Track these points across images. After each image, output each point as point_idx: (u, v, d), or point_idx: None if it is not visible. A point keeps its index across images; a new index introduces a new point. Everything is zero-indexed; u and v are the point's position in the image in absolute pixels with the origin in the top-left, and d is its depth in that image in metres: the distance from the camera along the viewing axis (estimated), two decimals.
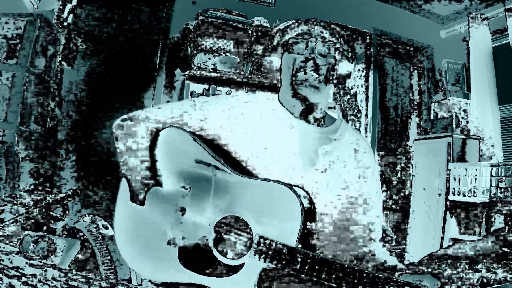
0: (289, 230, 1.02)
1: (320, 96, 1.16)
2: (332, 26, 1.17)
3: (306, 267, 0.99)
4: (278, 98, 1.21)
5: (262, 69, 1.24)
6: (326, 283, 0.98)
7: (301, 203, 1.02)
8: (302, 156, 1.14)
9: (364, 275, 0.96)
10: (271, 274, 1.06)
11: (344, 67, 1.19)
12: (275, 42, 1.21)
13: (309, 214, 1.05)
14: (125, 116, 1.20)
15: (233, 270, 1.04)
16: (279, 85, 1.22)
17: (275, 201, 1.04)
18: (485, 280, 1.02)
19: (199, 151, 1.11)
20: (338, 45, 1.16)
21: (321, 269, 0.98)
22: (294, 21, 1.18)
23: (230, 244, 1.06)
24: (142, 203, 1.12)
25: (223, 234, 1.06)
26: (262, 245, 1.02)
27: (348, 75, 1.21)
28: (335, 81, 1.19)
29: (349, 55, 1.19)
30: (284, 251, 1.00)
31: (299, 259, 0.99)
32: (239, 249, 1.05)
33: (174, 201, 1.09)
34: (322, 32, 1.14)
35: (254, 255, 1.02)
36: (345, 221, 1.17)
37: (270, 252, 1.01)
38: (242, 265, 1.03)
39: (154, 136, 1.15)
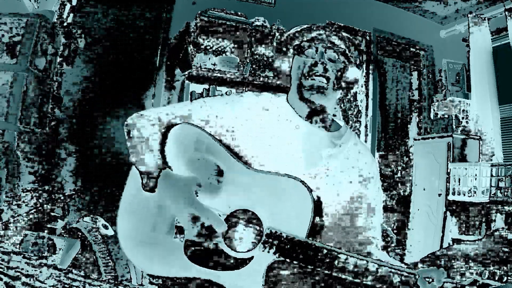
0: (299, 223, 1.04)
1: (327, 101, 1.18)
2: (342, 32, 1.20)
3: (317, 260, 1.00)
4: (286, 98, 1.23)
5: (273, 71, 1.27)
6: (337, 275, 1.00)
7: (312, 197, 1.04)
8: (306, 157, 1.16)
9: (372, 267, 0.99)
10: (280, 268, 1.07)
11: (352, 73, 1.21)
12: (284, 45, 1.23)
13: (317, 208, 1.06)
14: (137, 113, 1.22)
15: (242, 263, 1.04)
16: (288, 86, 1.25)
17: (286, 194, 1.06)
18: (485, 278, 1.03)
19: (210, 146, 1.13)
20: (347, 51, 1.19)
21: (332, 262, 0.99)
22: (306, 26, 1.21)
23: (240, 237, 1.07)
24: (153, 190, 1.12)
25: (233, 227, 1.07)
26: (272, 238, 1.03)
27: (356, 81, 1.23)
28: (343, 86, 1.22)
29: (357, 61, 1.22)
30: (294, 243, 1.02)
31: (309, 252, 1.01)
32: (248, 242, 1.06)
33: (186, 184, 1.10)
34: (332, 38, 1.17)
35: (264, 248, 1.03)
36: (343, 226, 1.18)
37: (280, 245, 1.02)
38: (251, 258, 1.04)
39: (165, 132, 1.17)
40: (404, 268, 1.00)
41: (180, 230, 1.08)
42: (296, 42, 1.20)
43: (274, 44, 3.32)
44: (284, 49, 1.23)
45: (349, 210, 1.18)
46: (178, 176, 1.12)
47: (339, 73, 1.18)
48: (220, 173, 1.11)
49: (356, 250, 1.17)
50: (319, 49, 1.16)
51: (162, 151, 1.15)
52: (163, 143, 1.16)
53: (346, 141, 1.21)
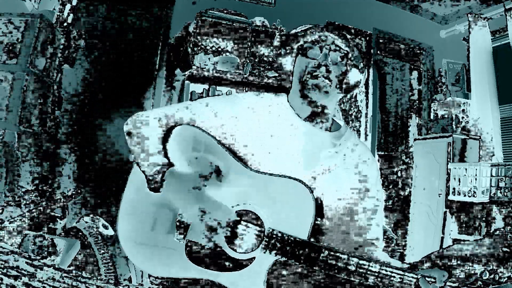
0: (301, 224, 1.04)
1: (328, 101, 1.18)
2: (346, 35, 1.19)
3: (318, 261, 1.00)
4: (287, 98, 1.23)
5: (275, 70, 1.26)
6: (338, 275, 1.00)
7: (314, 198, 1.04)
8: (305, 157, 1.16)
9: (374, 268, 1.00)
10: (281, 268, 1.08)
11: (354, 76, 1.21)
12: (287, 44, 1.23)
13: (318, 209, 1.06)
14: (137, 114, 1.21)
15: (243, 264, 1.04)
16: (289, 86, 1.24)
17: (288, 195, 1.06)
18: (485, 278, 1.03)
19: (210, 147, 1.13)
20: (350, 55, 1.19)
21: (333, 263, 1.00)
22: (312, 26, 1.21)
23: (241, 238, 1.07)
24: (158, 189, 1.12)
25: (234, 228, 1.07)
26: (273, 238, 1.03)
27: (357, 85, 1.23)
28: (343, 88, 1.21)
29: (360, 65, 1.21)
30: (296, 244, 1.02)
31: (310, 253, 1.01)
32: (250, 243, 1.06)
33: (192, 179, 1.10)
34: (337, 41, 1.17)
35: (265, 249, 1.03)
36: (344, 227, 1.17)
37: (281, 246, 1.02)
38: (252, 259, 1.04)
39: (166, 134, 1.17)
40: (406, 269, 1.00)
41: (183, 229, 1.08)
42: (300, 42, 1.19)
43: (276, 43, 3.32)
44: (288, 48, 1.23)
45: (349, 211, 1.17)
46: (183, 172, 1.12)
47: (341, 76, 1.17)
48: (218, 172, 1.11)
49: (357, 251, 1.17)
50: (323, 51, 1.16)
51: (164, 153, 1.16)
52: (164, 145, 1.16)
53: (346, 141, 1.21)
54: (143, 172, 1.14)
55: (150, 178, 1.13)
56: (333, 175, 1.16)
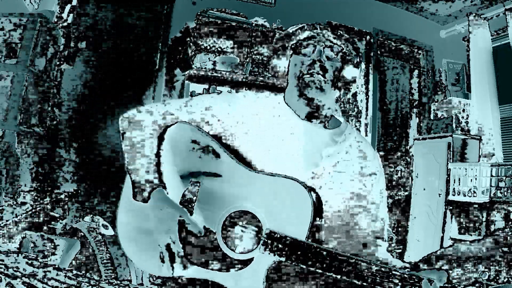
0: (299, 224, 1.03)
1: (326, 98, 1.17)
2: (340, 31, 1.19)
3: (317, 261, 1.00)
4: (284, 98, 1.22)
5: (270, 70, 1.26)
6: (336, 277, 0.99)
7: (312, 198, 1.03)
8: (305, 157, 1.15)
9: (373, 269, 0.99)
10: (280, 269, 1.07)
11: (349, 72, 1.20)
12: (281, 44, 1.22)
13: (317, 209, 1.06)
14: (131, 111, 1.21)
15: (242, 264, 1.04)
16: (286, 86, 1.24)
17: (285, 195, 1.06)
18: (485, 279, 1.03)
19: (207, 147, 1.12)
20: (345, 50, 1.18)
21: (331, 264, 0.99)
22: (304, 24, 1.20)
23: (240, 239, 1.06)
24: (144, 201, 1.13)
25: (232, 228, 1.07)
26: (272, 239, 1.03)
27: (353, 80, 1.22)
28: (340, 85, 1.20)
29: (355, 60, 1.21)
30: (294, 245, 1.01)
31: (309, 253, 1.00)
32: (248, 243, 1.06)
33: (177, 206, 1.10)
34: (330, 37, 1.16)
35: (264, 250, 1.03)
36: (347, 225, 1.16)
37: (280, 246, 1.02)
38: (251, 260, 1.04)
39: (162, 132, 1.16)
40: (405, 271, 1.00)
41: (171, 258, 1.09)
42: (294, 41, 1.19)
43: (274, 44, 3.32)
44: (282, 48, 1.22)
45: (352, 209, 1.16)
46: (168, 201, 1.12)
47: (337, 72, 1.17)
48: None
49: (360, 250, 1.15)
50: (317, 48, 1.15)
51: (158, 155, 1.15)
52: (159, 146, 1.16)
53: (347, 137, 1.20)
54: (132, 180, 1.14)
55: (137, 190, 1.13)
56: (334, 173, 1.16)
